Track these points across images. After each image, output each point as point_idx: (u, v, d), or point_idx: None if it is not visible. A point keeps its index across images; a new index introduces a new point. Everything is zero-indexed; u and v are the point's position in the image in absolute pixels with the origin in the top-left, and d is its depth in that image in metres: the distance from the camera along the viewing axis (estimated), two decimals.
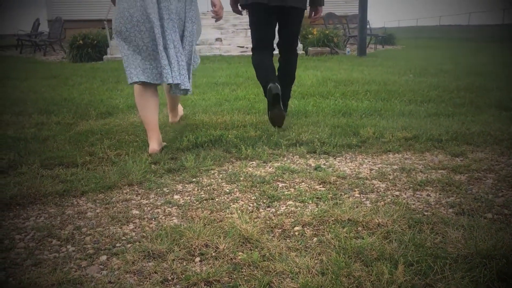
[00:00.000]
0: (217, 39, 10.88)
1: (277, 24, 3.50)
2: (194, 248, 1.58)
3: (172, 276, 1.42)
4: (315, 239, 1.65)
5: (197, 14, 3.04)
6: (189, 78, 2.89)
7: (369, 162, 2.61)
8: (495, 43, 17.34)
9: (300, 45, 10.75)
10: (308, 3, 3.48)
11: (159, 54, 2.74)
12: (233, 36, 11.03)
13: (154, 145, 2.80)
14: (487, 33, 21.60)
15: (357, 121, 3.53)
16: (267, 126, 3.37)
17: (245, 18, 10.52)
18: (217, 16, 3.23)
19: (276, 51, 3.59)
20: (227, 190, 2.20)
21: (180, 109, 3.76)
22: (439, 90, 4.98)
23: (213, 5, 3.12)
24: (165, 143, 2.96)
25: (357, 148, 2.86)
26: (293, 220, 1.83)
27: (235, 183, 2.29)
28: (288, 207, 1.97)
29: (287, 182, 2.30)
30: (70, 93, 5.19)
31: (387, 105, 4.23)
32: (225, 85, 5.74)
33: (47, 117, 3.86)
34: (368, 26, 11.89)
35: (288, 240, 1.65)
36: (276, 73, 3.48)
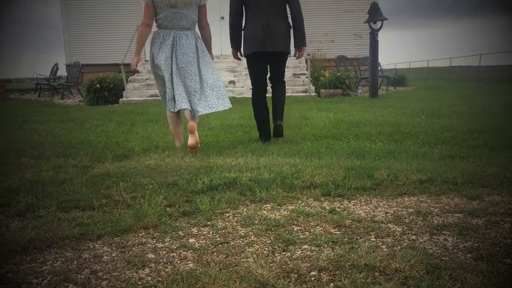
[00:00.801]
0: (230, 82, 11.08)
1: (268, 66, 4.71)
2: None
3: None
4: (331, 284, 1.64)
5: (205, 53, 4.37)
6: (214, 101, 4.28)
7: (384, 205, 2.60)
8: (507, 84, 17.37)
9: (312, 87, 10.90)
10: (293, 45, 4.62)
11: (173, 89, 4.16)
12: (246, 78, 11.23)
13: (178, 143, 4.38)
14: (498, 74, 21.69)
15: (371, 163, 3.53)
16: (281, 168, 3.39)
17: None
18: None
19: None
20: (242, 234, 2.20)
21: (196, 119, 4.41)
22: (453, 132, 4.98)
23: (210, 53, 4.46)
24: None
25: (371, 191, 2.85)
26: (309, 264, 1.81)
27: (250, 227, 2.29)
28: (304, 251, 1.96)
29: (302, 225, 2.29)
30: (87, 136, 5.29)
31: (401, 147, 4.24)
32: (238, 127, 5.80)
33: (64, 160, 3.93)
34: (379, 68, 12.05)
35: (304, 286, 1.63)
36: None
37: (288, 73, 11.48)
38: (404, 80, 16.27)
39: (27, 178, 3.26)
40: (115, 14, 14.98)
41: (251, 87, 4.75)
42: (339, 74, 11.37)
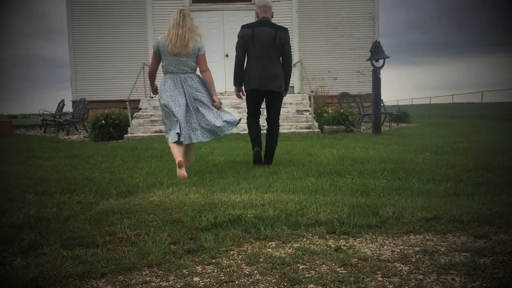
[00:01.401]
0: None
1: (265, 103, 5.61)
2: None
3: None
4: None
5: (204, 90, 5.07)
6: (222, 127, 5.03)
7: (390, 243, 2.58)
8: (510, 121, 17.43)
9: (315, 124, 10.96)
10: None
11: (178, 122, 4.85)
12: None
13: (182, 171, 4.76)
14: (501, 111, 21.79)
15: (375, 200, 3.51)
16: (286, 205, 3.38)
17: None
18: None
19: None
20: (247, 272, 2.17)
21: (191, 158, 5.31)
22: (457, 169, 4.97)
23: (215, 102, 5.07)
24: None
25: (377, 229, 2.83)
26: None
27: (255, 265, 2.27)
28: None
29: (307, 264, 2.27)
30: (92, 172, 5.31)
31: (405, 184, 4.23)
32: (242, 163, 5.81)
33: (69, 196, 3.93)
34: (382, 105, 12.14)
35: None
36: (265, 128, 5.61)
37: (291, 110, 11.58)
38: (407, 116, 16.36)
39: (31, 214, 3.26)
40: (121, 52, 15.29)
41: (247, 115, 5.73)
42: (342, 111, 11.45)
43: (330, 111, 11.49)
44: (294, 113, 11.51)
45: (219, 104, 5.11)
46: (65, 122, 13.73)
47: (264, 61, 5.40)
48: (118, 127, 11.13)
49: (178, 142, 4.84)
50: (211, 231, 2.83)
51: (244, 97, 5.71)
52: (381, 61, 10.58)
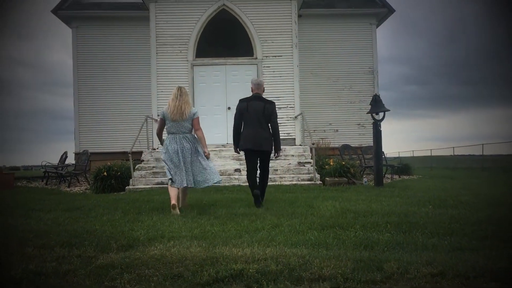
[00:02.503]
0: (236, 170, 11.18)
1: (258, 158, 7.00)
2: None
3: None
4: None
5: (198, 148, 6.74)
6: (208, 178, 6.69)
7: None
8: None
9: (317, 176, 10.96)
10: (274, 149, 7.02)
11: (183, 172, 6.52)
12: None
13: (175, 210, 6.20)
14: (502, 163, 21.80)
15: (380, 255, 3.47)
16: (288, 259, 3.33)
17: None
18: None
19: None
20: None
21: (186, 199, 6.99)
22: (461, 223, 4.92)
23: (205, 153, 6.74)
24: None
25: (382, 285, 2.78)
26: None
27: None
28: None
29: None
30: (92, 225, 5.27)
31: (409, 238, 4.18)
32: (244, 216, 5.78)
33: (69, 250, 3.89)
34: (383, 157, 12.18)
35: None
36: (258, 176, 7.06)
37: (293, 162, 11.62)
38: (409, 169, 16.36)
39: (30, 269, 3.22)
40: (125, 105, 15.57)
41: (247, 169, 7.14)
42: (343, 163, 11.48)
43: (331, 163, 11.52)
44: (296, 165, 11.54)
45: (209, 155, 6.82)
46: (67, 174, 13.76)
47: (256, 127, 6.89)
48: (120, 179, 11.12)
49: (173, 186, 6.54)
50: (212, 286, 2.79)
51: (241, 153, 7.19)
52: (381, 114, 10.72)
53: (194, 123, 6.68)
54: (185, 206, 6.73)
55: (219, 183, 6.96)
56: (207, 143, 6.94)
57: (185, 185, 6.52)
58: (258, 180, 6.99)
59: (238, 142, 7.02)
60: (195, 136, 6.77)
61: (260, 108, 6.91)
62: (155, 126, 13.03)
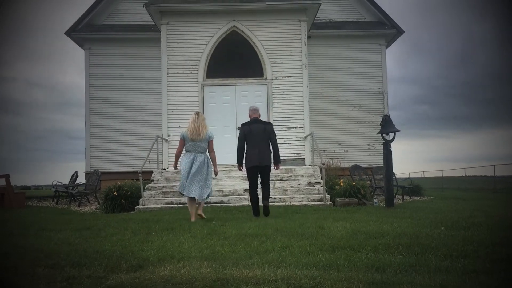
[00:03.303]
0: (245, 190, 11.15)
1: (260, 174, 8.16)
2: None
3: None
4: None
5: (210, 166, 7.96)
6: (208, 194, 7.82)
7: None
8: None
9: (327, 196, 10.90)
10: (272, 162, 8.16)
11: (193, 184, 7.62)
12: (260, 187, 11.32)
13: (193, 218, 7.53)
14: None
15: (392, 278, 3.42)
16: (299, 281, 3.30)
17: (272, 170, 10.83)
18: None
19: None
20: None
21: (201, 207, 7.85)
22: (474, 245, 4.84)
23: (215, 171, 8.03)
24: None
25: None
26: None
27: None
28: None
29: None
30: (102, 245, 5.26)
31: (422, 260, 4.12)
32: (254, 236, 5.74)
33: (79, 270, 3.88)
34: (393, 177, 12.10)
35: None
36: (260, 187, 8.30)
37: (303, 182, 11.58)
38: (420, 189, 16.21)
39: None
40: (136, 125, 15.74)
41: (249, 186, 8.31)
42: (354, 183, 11.42)
43: (341, 184, 11.46)
44: (306, 186, 11.50)
45: (217, 174, 8.28)
46: (77, 194, 13.82)
47: (259, 146, 8.10)
48: (130, 199, 11.16)
49: (191, 199, 7.77)
50: None
51: (244, 170, 8.30)
52: (391, 134, 10.68)
53: (209, 144, 7.89)
54: (198, 214, 7.71)
55: (207, 199, 8.13)
56: (217, 163, 8.11)
57: (193, 195, 7.67)
58: (257, 194, 8.22)
59: (242, 160, 8.21)
60: (208, 156, 7.94)
61: (261, 129, 8.19)
62: (165, 146, 13.16)
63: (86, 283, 3.42)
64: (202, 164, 7.75)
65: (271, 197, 10.99)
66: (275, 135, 8.28)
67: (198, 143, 7.73)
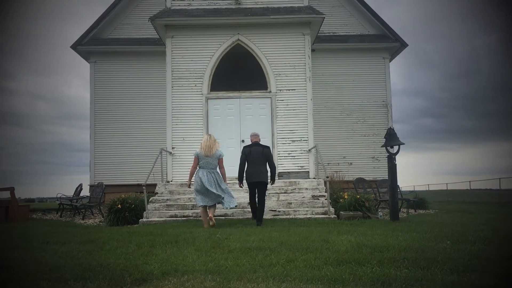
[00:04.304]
0: (248, 203, 11.13)
1: (257, 190, 9.55)
2: None
3: None
4: None
5: (221, 177, 9.29)
6: (226, 200, 9.15)
7: None
8: None
9: (332, 209, 10.86)
10: (269, 179, 9.67)
11: (208, 195, 8.99)
12: (265, 200, 11.29)
13: (205, 225, 8.83)
14: None
15: None
16: None
17: (277, 183, 10.80)
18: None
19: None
20: None
21: (211, 214, 8.94)
22: (481, 259, 4.80)
23: (226, 184, 9.34)
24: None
25: None
26: None
27: None
28: None
29: None
30: (106, 258, 5.25)
31: (428, 275, 4.09)
32: (258, 250, 5.71)
33: (83, 283, 3.87)
34: (398, 190, 12.04)
35: None
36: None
37: (307, 195, 11.54)
38: (425, 202, 16.12)
39: None
40: (140, 138, 15.81)
41: (249, 197, 9.85)
42: (358, 196, 11.37)
43: (346, 197, 11.42)
44: (310, 199, 11.46)
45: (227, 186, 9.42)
46: (81, 206, 13.83)
47: (257, 166, 9.51)
48: (134, 212, 11.14)
49: (203, 207, 9.04)
50: None
51: (244, 187, 9.97)
52: (396, 147, 10.65)
53: (219, 162, 9.20)
54: (210, 219, 8.84)
55: (235, 207, 9.87)
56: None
57: (205, 204, 9.01)
58: (256, 202, 9.63)
59: (242, 178, 9.69)
60: (219, 172, 9.23)
61: (259, 151, 9.65)
62: (170, 158, 13.17)
63: None
64: (214, 178, 9.06)
65: (274, 210, 11.10)
66: (272, 157, 9.90)
67: (209, 160, 9.02)
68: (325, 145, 14.88)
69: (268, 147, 9.89)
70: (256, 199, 9.63)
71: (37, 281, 3.97)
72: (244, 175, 9.61)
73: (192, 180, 9.38)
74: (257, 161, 9.51)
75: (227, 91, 13.68)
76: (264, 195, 9.66)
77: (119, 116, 15.96)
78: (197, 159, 9.09)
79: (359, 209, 10.95)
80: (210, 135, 9.37)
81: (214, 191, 8.92)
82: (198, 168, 9.12)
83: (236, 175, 9.77)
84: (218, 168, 9.19)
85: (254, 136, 10.07)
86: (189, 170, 9.35)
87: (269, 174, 9.65)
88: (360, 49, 16.31)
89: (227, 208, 9.61)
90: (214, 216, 8.97)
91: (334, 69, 16.27)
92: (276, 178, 11.60)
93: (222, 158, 9.18)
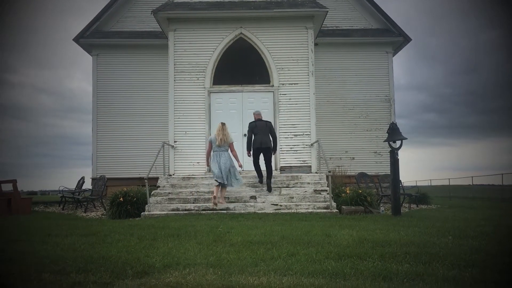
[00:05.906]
0: (251, 197, 11.14)
1: (263, 156, 11.48)
2: None
3: None
4: None
5: (232, 161, 10.89)
6: (233, 182, 10.86)
7: None
8: None
9: (333, 204, 10.86)
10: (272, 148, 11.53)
11: (222, 174, 10.55)
12: (267, 194, 11.29)
13: (215, 200, 10.39)
14: None
15: (399, 287, 3.39)
16: None
17: (279, 177, 10.81)
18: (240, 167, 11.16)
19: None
20: None
21: (223, 195, 10.75)
22: (482, 254, 4.80)
23: (239, 164, 11.13)
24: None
25: None
26: None
27: None
28: None
29: None
30: (108, 251, 5.26)
31: (429, 269, 4.09)
32: (260, 244, 5.72)
33: (85, 276, 3.88)
34: (400, 185, 12.03)
35: None
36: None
37: (309, 189, 11.54)
38: (427, 198, 16.09)
39: None
40: (142, 131, 15.80)
41: (253, 163, 11.56)
42: (360, 191, 11.36)
43: (348, 191, 11.41)
44: (312, 193, 11.46)
45: (241, 166, 11.16)
46: (83, 199, 13.85)
47: (262, 135, 11.23)
48: (136, 205, 11.16)
49: (218, 186, 10.45)
50: None
51: (251, 155, 11.44)
52: (398, 142, 10.63)
53: (230, 146, 10.80)
54: (222, 200, 10.62)
55: (240, 186, 11.20)
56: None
57: (222, 182, 10.44)
58: (260, 166, 11.51)
59: (250, 147, 11.35)
60: (231, 154, 10.82)
61: (263, 124, 11.41)
62: (172, 152, 13.17)
63: None
64: (227, 159, 10.62)
65: (276, 204, 11.10)
66: (274, 129, 11.75)
67: (222, 147, 10.63)
68: (327, 140, 14.85)
69: (270, 122, 11.74)
70: (261, 165, 11.48)
71: (39, 274, 3.98)
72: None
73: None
74: (262, 131, 11.26)
75: (230, 85, 13.66)
76: (271, 161, 11.47)
77: (122, 110, 15.96)
78: (211, 144, 10.75)
79: (361, 204, 10.95)
80: (223, 124, 10.80)
81: (229, 171, 10.56)
82: (213, 151, 10.70)
83: (240, 169, 11.14)
84: (229, 150, 10.77)
85: (257, 114, 11.74)
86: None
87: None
88: (363, 43, 16.24)
89: (234, 186, 10.93)
90: (215, 210, 8.92)
91: (337, 64, 16.21)
92: (278, 170, 12.93)
93: (232, 143, 10.81)
